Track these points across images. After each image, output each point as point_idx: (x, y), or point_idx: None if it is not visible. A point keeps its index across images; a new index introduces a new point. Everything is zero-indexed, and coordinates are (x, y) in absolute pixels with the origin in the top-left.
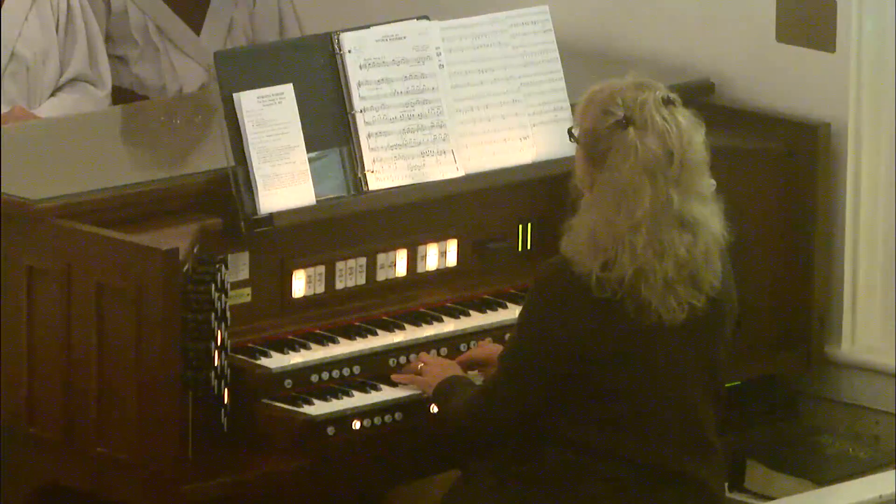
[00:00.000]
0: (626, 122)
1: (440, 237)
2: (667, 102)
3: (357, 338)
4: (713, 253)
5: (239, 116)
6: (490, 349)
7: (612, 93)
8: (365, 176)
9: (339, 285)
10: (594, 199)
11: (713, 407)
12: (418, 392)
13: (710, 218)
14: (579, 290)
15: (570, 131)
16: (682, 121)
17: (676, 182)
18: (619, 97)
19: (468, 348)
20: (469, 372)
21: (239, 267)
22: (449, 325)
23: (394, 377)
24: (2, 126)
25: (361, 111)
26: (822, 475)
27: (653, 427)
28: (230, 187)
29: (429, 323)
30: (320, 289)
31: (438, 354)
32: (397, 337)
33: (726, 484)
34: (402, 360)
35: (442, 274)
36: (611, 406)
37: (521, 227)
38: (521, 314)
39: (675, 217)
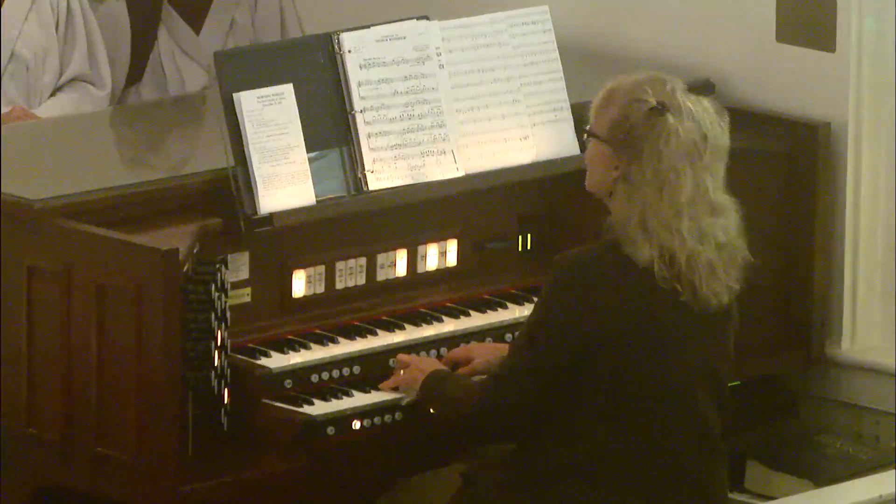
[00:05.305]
0: (663, 108)
1: (440, 237)
2: (689, 90)
3: (357, 338)
4: (741, 235)
5: (239, 116)
6: (468, 347)
7: (636, 83)
8: (365, 176)
9: (339, 285)
10: (631, 189)
11: (717, 407)
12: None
13: (732, 204)
14: (614, 275)
15: (587, 131)
16: (710, 106)
17: (708, 167)
18: (647, 86)
19: None
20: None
21: (239, 267)
22: (449, 325)
23: (381, 386)
24: (2, 126)
25: (361, 111)
26: (822, 475)
27: (662, 424)
28: (230, 187)
29: (429, 323)
30: (320, 289)
31: (438, 355)
32: (397, 337)
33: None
34: None
35: (442, 274)
36: (620, 400)
37: (521, 227)
38: (544, 295)
39: (709, 203)
